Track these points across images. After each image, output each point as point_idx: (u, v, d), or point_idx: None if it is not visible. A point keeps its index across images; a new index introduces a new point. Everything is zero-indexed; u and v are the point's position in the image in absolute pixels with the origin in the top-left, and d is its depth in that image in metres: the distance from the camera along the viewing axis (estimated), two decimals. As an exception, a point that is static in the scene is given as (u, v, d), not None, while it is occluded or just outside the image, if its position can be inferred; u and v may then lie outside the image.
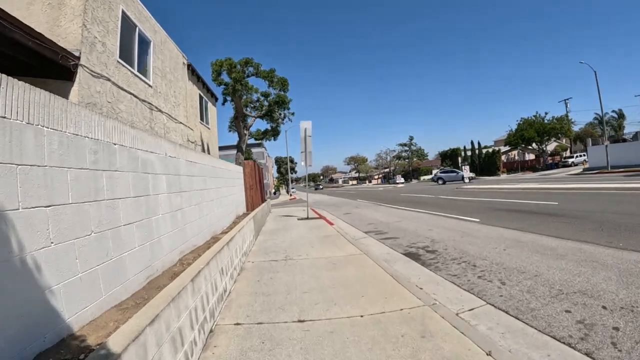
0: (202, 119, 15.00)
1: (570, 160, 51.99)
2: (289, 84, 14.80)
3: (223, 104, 15.24)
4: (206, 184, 6.22)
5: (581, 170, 38.10)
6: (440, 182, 34.72)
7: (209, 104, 16.47)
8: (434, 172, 68.58)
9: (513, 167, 55.95)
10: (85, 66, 6.54)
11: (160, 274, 3.72)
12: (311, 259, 6.65)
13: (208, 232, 6.07)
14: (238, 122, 14.90)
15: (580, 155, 53.20)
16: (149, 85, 9.31)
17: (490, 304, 4.31)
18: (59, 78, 6.46)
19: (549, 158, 55.11)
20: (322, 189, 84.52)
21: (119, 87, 7.59)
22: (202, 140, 14.69)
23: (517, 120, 54.75)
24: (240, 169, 11.43)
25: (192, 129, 13.04)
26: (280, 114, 16.68)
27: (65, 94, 6.36)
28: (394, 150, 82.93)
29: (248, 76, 14.09)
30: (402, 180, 68.24)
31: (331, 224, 11.82)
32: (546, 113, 52.27)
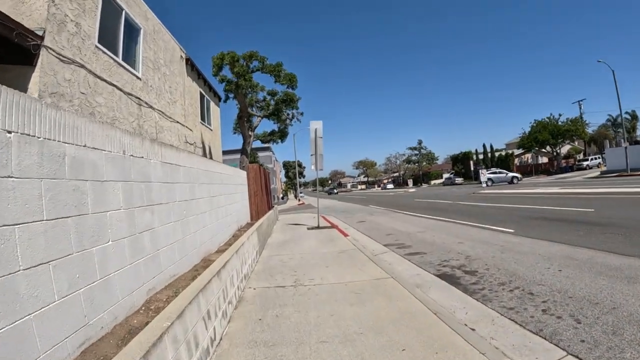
0: (203, 119, 13.83)
1: (585, 163, 50.19)
2: (298, 80, 13.56)
3: (225, 101, 13.94)
4: (195, 192, 4.98)
5: (599, 173, 36.57)
6: (489, 183, 31.98)
7: (212, 104, 15.32)
8: (445, 176, 67.27)
9: (527, 171, 54.11)
10: (50, 48, 5.36)
11: (108, 331, 2.47)
12: (327, 284, 5.36)
13: (196, 253, 4.82)
14: (242, 122, 13.62)
15: (595, 158, 51.53)
16: (137, 78, 8.14)
17: (572, 354, 3.07)
18: (19, 63, 5.29)
19: (563, 161, 53.25)
20: (336, 193, 71.29)
21: (96, 76, 6.41)
22: (203, 142, 13.50)
23: (531, 123, 52.98)
24: (244, 173, 10.21)
25: (191, 130, 11.87)
26: (288, 114, 15.37)
27: (25, 83, 5.18)
28: (404, 154, 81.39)
29: (253, 71, 12.82)
30: (392, 186, 68.59)
31: (345, 234, 10.53)
32: (560, 115, 50.53)
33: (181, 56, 11.37)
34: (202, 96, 13.75)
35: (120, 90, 7.29)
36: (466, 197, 21.93)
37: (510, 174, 32.88)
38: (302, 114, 15.76)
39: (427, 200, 23.71)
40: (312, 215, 18.60)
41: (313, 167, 12.61)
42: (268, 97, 14.60)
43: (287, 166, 78.39)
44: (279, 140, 17.16)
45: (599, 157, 51.76)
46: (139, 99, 8.02)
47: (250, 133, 14.15)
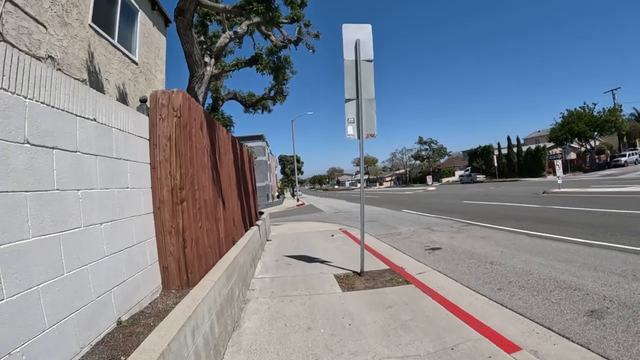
0: (107, 29, 6.39)
1: (622, 159, 43.47)
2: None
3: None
4: None
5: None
6: None
7: (141, 17, 7.88)
8: (458, 173, 60.27)
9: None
10: None
11: None
12: None
13: None
14: (184, 24, 5.69)
15: (633, 154, 44.84)
16: None
17: None
18: None
19: (596, 157, 46.56)
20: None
21: None
22: (96, 73, 6.06)
23: (561, 113, 46.34)
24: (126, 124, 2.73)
25: (42, 25, 4.50)
26: (280, 38, 7.51)
27: None
28: (411, 149, 74.08)
29: None
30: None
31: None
32: (594, 104, 43.92)
33: None
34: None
35: None
36: (547, 200, 14.66)
37: None
38: (317, 35, 7.99)
39: (481, 202, 16.43)
40: (326, 228, 11.20)
41: (350, 129, 5.23)
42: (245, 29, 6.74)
43: (284, 161, 70.47)
44: (275, 88, 9.30)
45: (636, 153, 45.24)
46: None
47: (207, 59, 6.39)
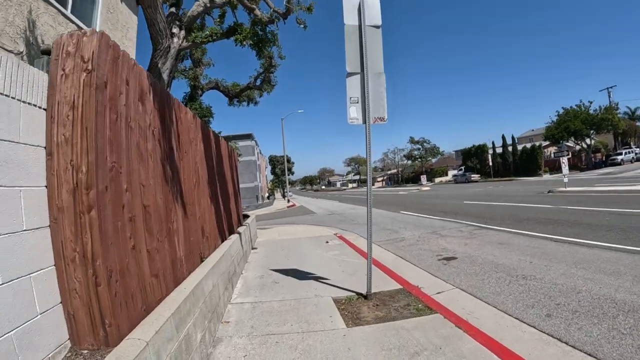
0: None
1: (619, 158, 43.34)
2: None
3: None
4: None
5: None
6: None
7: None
8: (451, 172, 59.56)
9: (555, 167, 46.53)
10: None
11: None
12: None
13: None
14: None
15: (628, 152, 44.65)
16: None
17: None
18: None
19: (592, 155, 46.23)
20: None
21: None
22: (36, 42, 4.91)
23: (557, 112, 45.82)
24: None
25: None
26: None
27: None
28: (403, 149, 73.17)
29: None
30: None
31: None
32: (590, 102, 43.48)
33: None
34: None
35: None
36: (556, 199, 13.75)
37: None
38: (309, 8, 6.66)
39: (484, 202, 15.47)
40: (319, 233, 9.99)
41: (353, 112, 4.14)
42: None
43: (274, 161, 69.01)
44: (261, 76, 8.24)
45: (632, 151, 45.12)
46: None
47: (175, 30, 5.22)
